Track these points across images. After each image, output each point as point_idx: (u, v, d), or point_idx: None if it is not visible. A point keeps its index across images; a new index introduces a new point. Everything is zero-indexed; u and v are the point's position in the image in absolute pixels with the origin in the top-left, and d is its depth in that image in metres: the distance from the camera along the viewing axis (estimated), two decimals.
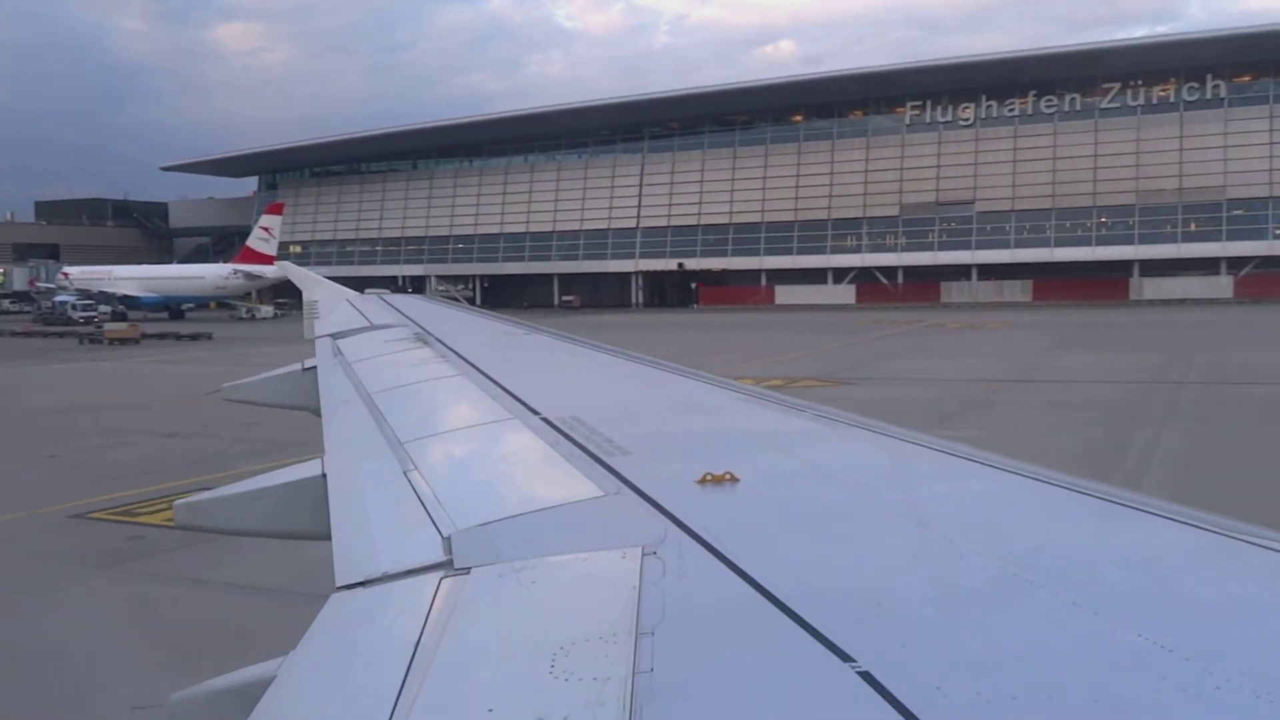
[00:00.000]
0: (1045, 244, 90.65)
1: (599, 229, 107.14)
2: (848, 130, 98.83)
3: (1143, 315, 68.41)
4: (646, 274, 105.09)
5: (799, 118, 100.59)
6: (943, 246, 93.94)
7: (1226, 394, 29.43)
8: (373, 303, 11.72)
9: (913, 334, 58.40)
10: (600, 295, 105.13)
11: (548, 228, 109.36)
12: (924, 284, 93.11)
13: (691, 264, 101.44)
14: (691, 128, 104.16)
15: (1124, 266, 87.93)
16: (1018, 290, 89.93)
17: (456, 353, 6.71)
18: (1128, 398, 28.19)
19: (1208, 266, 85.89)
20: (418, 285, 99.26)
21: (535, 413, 4.24)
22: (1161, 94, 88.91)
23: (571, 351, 7.39)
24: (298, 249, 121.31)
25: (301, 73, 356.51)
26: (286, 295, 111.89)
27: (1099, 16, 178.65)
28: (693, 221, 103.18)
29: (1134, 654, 1.73)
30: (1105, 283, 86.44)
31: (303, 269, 15.78)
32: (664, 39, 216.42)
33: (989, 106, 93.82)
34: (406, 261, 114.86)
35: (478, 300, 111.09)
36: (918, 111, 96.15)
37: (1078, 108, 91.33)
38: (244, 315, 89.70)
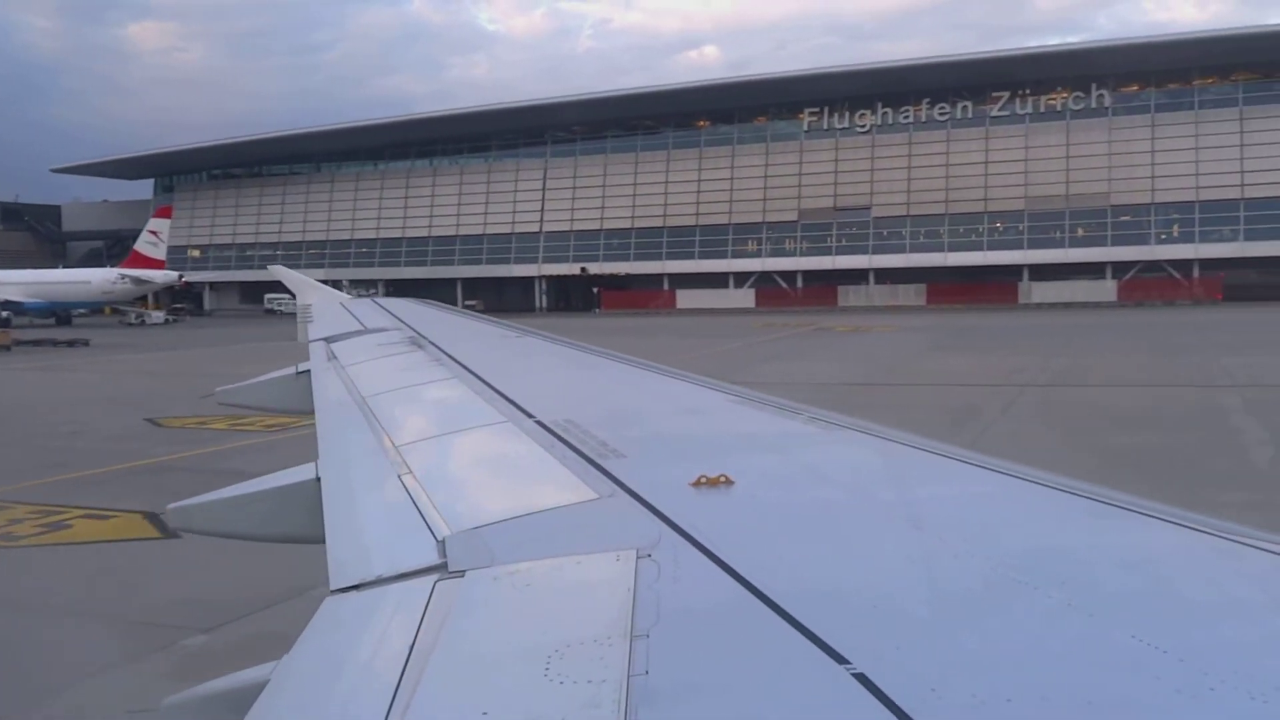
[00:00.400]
0: (939, 249, 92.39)
1: (503, 233, 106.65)
2: (748, 136, 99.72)
3: (1026, 318, 70.01)
4: (550, 278, 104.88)
5: (701, 123, 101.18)
6: (840, 251, 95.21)
7: (1062, 397, 30.18)
8: (366, 307, 11.79)
9: (798, 338, 59.00)
10: (505, 300, 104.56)
11: (451, 232, 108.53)
12: (823, 288, 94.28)
13: (595, 268, 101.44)
14: (595, 132, 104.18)
15: (1014, 270, 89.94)
16: (912, 294, 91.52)
17: (450, 356, 6.70)
18: (968, 400, 28.71)
19: (1094, 271, 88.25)
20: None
21: (529, 416, 4.25)
22: (1049, 103, 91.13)
23: (565, 354, 7.38)
24: (196, 253, 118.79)
25: (217, 73, 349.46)
26: (183, 301, 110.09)
27: (1014, 25, 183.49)
28: (595, 226, 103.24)
29: (1129, 655, 1.72)
30: (996, 286, 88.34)
31: (295, 273, 15.45)
32: (588, 43, 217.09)
33: (885, 114, 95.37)
34: (307, 265, 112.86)
35: None
36: (816, 118, 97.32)
37: (969, 115, 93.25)
38: (133, 321, 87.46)
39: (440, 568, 2.53)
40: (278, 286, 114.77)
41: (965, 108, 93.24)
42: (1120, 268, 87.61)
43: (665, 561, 2.29)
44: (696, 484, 2.90)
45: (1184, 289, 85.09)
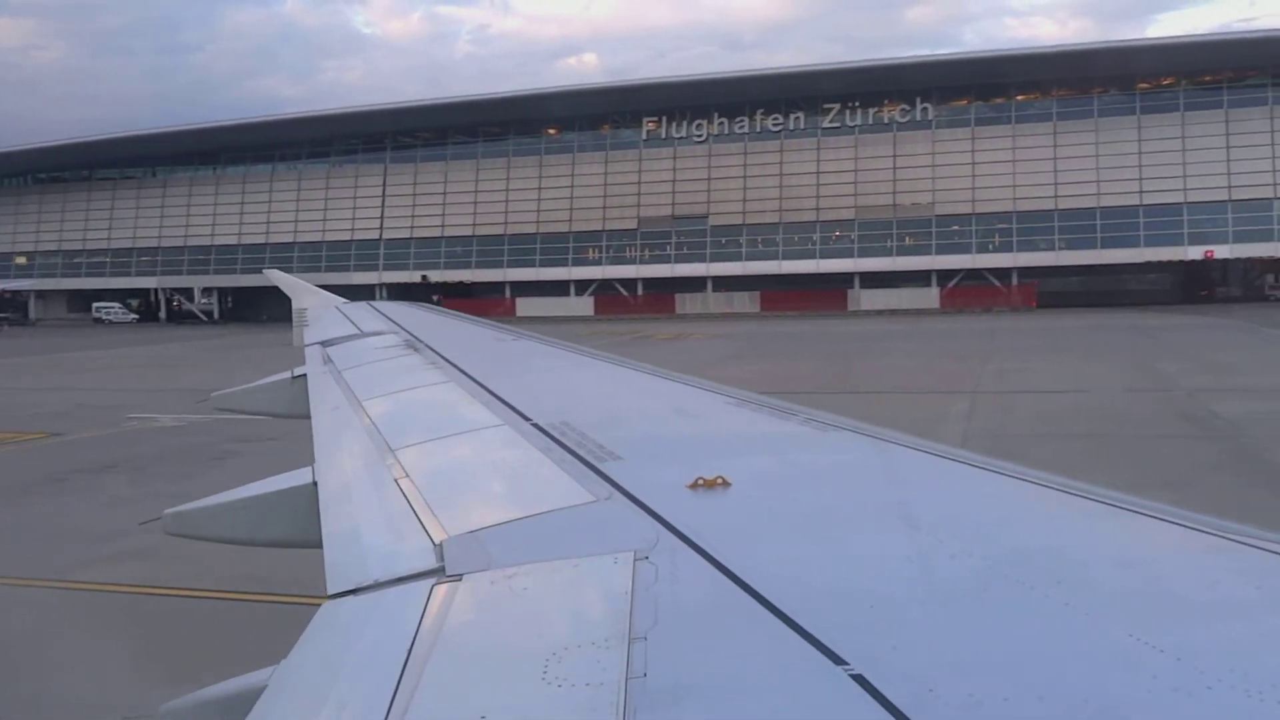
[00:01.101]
0: (774, 257, 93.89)
1: (342, 240, 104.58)
2: (588, 144, 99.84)
3: (845, 325, 71.58)
4: (391, 286, 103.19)
5: (542, 130, 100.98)
6: (679, 259, 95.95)
7: (811, 404, 30.65)
8: (362, 310, 11.85)
9: (615, 345, 59.05)
10: None
11: (289, 238, 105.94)
12: (662, 295, 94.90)
13: (436, 276, 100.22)
14: (436, 139, 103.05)
15: (846, 278, 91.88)
16: (746, 301, 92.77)
17: (446, 359, 6.67)
18: None
19: (920, 279, 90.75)
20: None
21: (526, 418, 4.23)
22: (878, 115, 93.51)
23: (562, 357, 7.38)
24: (23, 260, 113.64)
25: (79, 72, 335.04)
26: (7, 310, 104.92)
27: (887, 37, 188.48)
28: (437, 233, 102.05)
29: (1126, 654, 1.72)
30: (826, 294, 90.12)
31: (291, 277, 15.09)
32: (466, 48, 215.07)
33: (721, 124, 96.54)
34: (139, 273, 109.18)
35: (216, 314, 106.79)
36: (655, 127, 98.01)
37: (801, 126, 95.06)
38: None
39: (437, 571, 2.52)
40: (106, 295, 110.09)
41: (798, 119, 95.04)
42: (944, 275, 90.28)
43: (663, 564, 2.27)
44: (694, 486, 2.90)
45: (1002, 296, 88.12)
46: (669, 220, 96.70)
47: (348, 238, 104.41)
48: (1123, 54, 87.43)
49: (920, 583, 2.19)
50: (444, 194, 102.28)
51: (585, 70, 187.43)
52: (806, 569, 2.32)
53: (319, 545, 3.15)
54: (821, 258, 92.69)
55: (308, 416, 5.71)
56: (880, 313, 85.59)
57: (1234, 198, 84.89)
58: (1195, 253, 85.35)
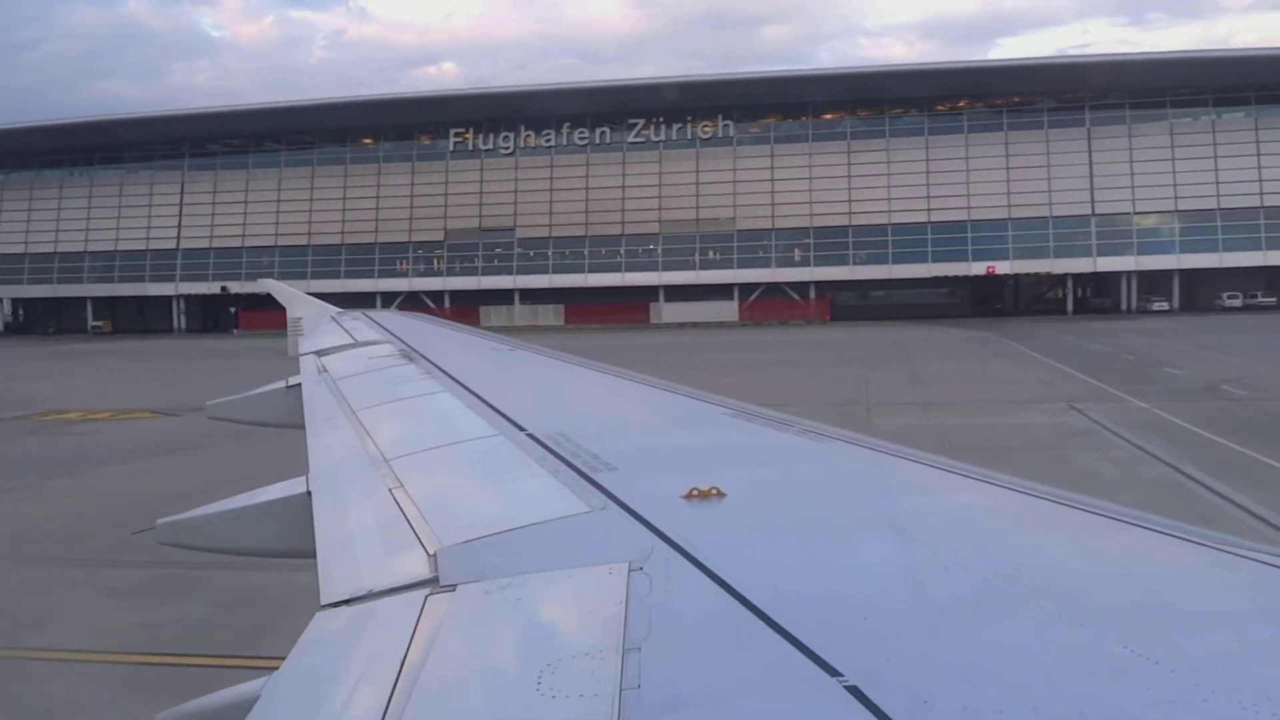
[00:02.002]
0: (580, 270, 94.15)
1: (137, 249, 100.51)
2: (394, 154, 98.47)
3: (638, 337, 72.07)
4: (189, 298, 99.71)
5: (348, 139, 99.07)
6: (486, 271, 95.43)
7: None
8: (358, 320, 11.65)
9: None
10: (147, 320, 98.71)
11: (79, 248, 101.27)
12: (469, 308, 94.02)
13: (236, 287, 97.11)
14: (238, 146, 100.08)
15: (650, 291, 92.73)
16: (551, 314, 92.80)
17: (442, 369, 6.56)
18: None
19: (722, 292, 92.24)
20: None
21: (521, 429, 4.17)
22: (681, 131, 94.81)
23: (558, 367, 7.27)
24: None
25: None
26: None
27: (743, 55, 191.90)
28: (237, 243, 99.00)
29: (1120, 666, 1.71)
30: (629, 306, 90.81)
31: (287, 286, 14.90)
32: (321, 54, 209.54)
33: (527, 136, 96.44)
34: None
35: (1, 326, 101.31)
36: (461, 138, 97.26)
37: (608, 140, 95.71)
38: None
39: (431, 582, 2.48)
40: None
41: (604, 133, 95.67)
42: (746, 289, 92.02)
43: (657, 574, 2.25)
44: (688, 496, 2.85)
45: (799, 309, 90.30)
46: (476, 232, 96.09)
47: (143, 247, 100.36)
48: (912, 77, 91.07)
49: (915, 594, 2.16)
50: (245, 203, 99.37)
51: (445, 79, 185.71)
52: (801, 580, 2.30)
53: (313, 555, 3.11)
54: (627, 270, 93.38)
55: (303, 426, 5.65)
56: (682, 325, 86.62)
57: (1013, 216, 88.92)
58: (979, 268, 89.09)
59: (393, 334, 9.69)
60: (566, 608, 2.31)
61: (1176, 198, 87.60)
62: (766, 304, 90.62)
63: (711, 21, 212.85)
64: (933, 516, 2.90)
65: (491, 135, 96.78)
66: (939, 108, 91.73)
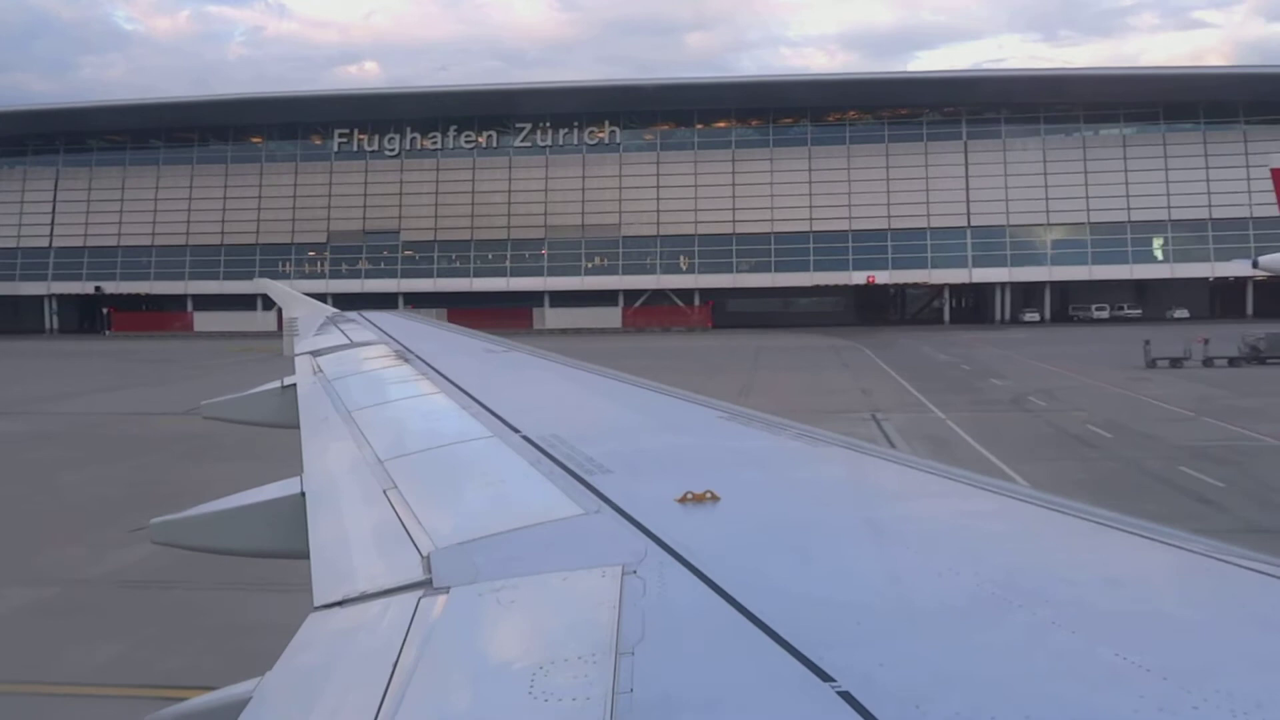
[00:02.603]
0: (466, 274, 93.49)
1: (8, 248, 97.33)
2: (277, 154, 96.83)
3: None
4: (62, 298, 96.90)
5: (229, 137, 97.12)
6: (370, 275, 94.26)
7: None
8: (354, 321, 11.68)
9: (237, 365, 57.15)
10: (21, 319, 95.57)
11: None
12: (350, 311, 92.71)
13: (111, 288, 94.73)
14: (116, 143, 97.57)
15: (536, 297, 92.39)
16: (431, 319, 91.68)
17: (437, 370, 6.54)
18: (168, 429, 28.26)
19: (607, 298, 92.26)
20: None
21: (516, 431, 4.20)
22: (568, 136, 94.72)
23: (553, 369, 7.23)
24: None
25: None
26: None
27: (666, 61, 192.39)
28: (113, 242, 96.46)
29: (1112, 673, 1.71)
30: (512, 312, 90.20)
31: (282, 285, 14.86)
32: (239, 50, 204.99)
33: (413, 139, 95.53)
34: None
35: None
36: (345, 139, 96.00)
37: (494, 145, 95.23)
38: None
39: (425, 584, 2.49)
40: None
41: (491, 137, 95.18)
42: (632, 295, 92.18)
43: (651, 578, 2.26)
44: (683, 500, 2.87)
45: (682, 316, 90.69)
46: (360, 234, 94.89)
47: (13, 245, 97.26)
48: (796, 88, 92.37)
49: (908, 599, 2.15)
50: (121, 200, 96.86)
51: (366, 78, 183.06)
52: (795, 584, 2.29)
53: (306, 556, 3.07)
54: (512, 275, 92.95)
55: (297, 426, 5.57)
56: (564, 331, 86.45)
57: (893, 226, 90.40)
58: (859, 277, 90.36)
59: (388, 335, 9.73)
60: (560, 611, 2.29)
61: (1049, 211, 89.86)
62: (650, 311, 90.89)
63: (636, 28, 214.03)
64: (926, 522, 2.91)
65: (377, 136, 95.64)
66: (823, 119, 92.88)
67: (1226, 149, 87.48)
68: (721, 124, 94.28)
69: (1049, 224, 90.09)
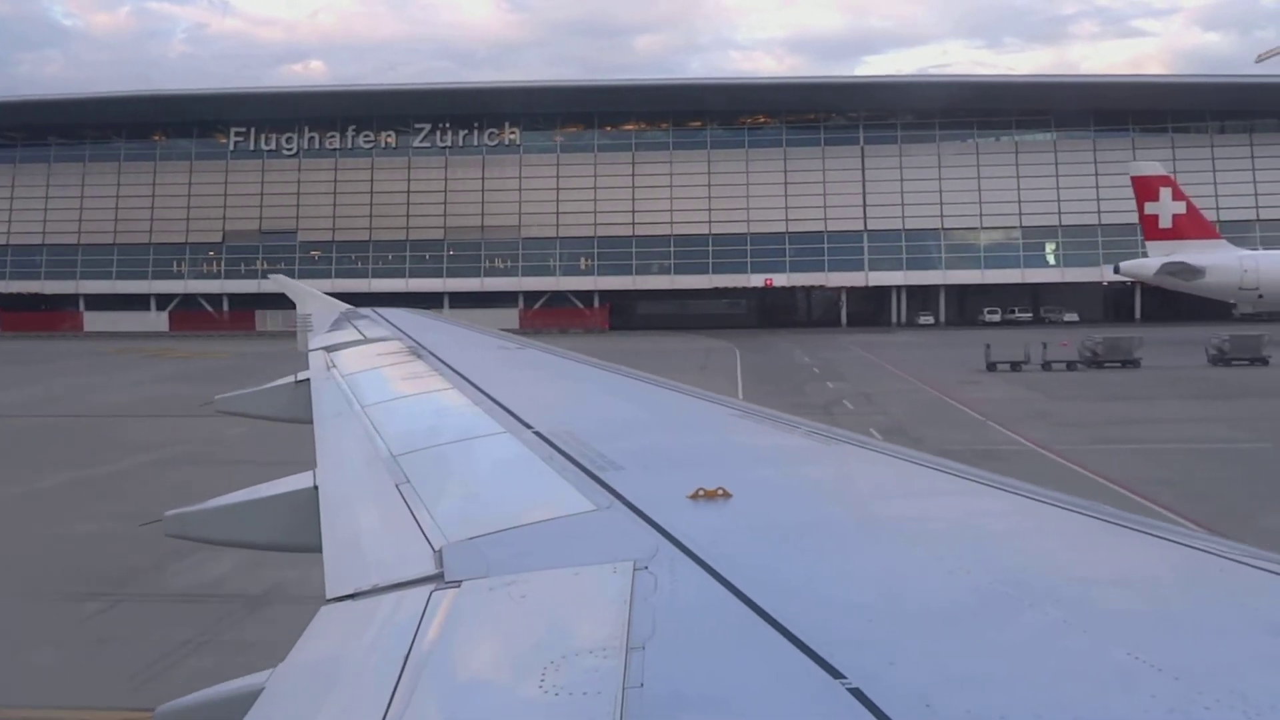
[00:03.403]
0: (364, 275, 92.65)
1: None
2: (171, 152, 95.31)
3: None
4: None
5: (121, 135, 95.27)
6: (266, 274, 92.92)
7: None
8: (367, 317, 11.65)
9: (102, 364, 56.51)
10: None
11: None
12: (245, 313, 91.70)
13: (1, 287, 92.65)
14: (8, 140, 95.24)
15: (435, 298, 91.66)
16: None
17: (450, 366, 6.60)
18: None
19: (508, 299, 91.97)
20: None
21: (528, 427, 4.21)
22: (468, 137, 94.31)
23: (566, 366, 7.31)
24: None
25: None
26: None
27: (614, 64, 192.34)
28: (2, 240, 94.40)
29: (1124, 673, 1.71)
30: None
31: (296, 282, 14.19)
32: (181, 47, 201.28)
33: (312, 138, 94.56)
34: None
35: None
36: (242, 138, 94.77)
37: (393, 145, 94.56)
38: None
39: (436, 578, 2.49)
40: None
41: (389, 137, 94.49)
42: (532, 297, 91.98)
43: (662, 574, 2.26)
44: (694, 496, 2.88)
45: (580, 318, 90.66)
46: (256, 234, 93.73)
47: None
48: (696, 92, 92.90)
49: (919, 597, 2.14)
50: (11, 199, 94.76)
51: (312, 77, 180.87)
52: (805, 581, 2.28)
53: (319, 549, 3.07)
54: (411, 277, 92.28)
55: (310, 420, 5.57)
56: None
57: (791, 230, 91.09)
58: (757, 280, 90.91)
59: (401, 330, 9.71)
60: (571, 606, 2.28)
61: (943, 216, 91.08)
62: (548, 313, 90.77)
63: (583, 29, 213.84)
64: (938, 520, 2.89)
65: (275, 135, 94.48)
66: (723, 122, 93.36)
67: (1115, 155, 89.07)
68: (623, 127, 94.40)
69: (943, 228, 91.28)
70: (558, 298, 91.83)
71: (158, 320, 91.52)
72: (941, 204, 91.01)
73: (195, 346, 70.62)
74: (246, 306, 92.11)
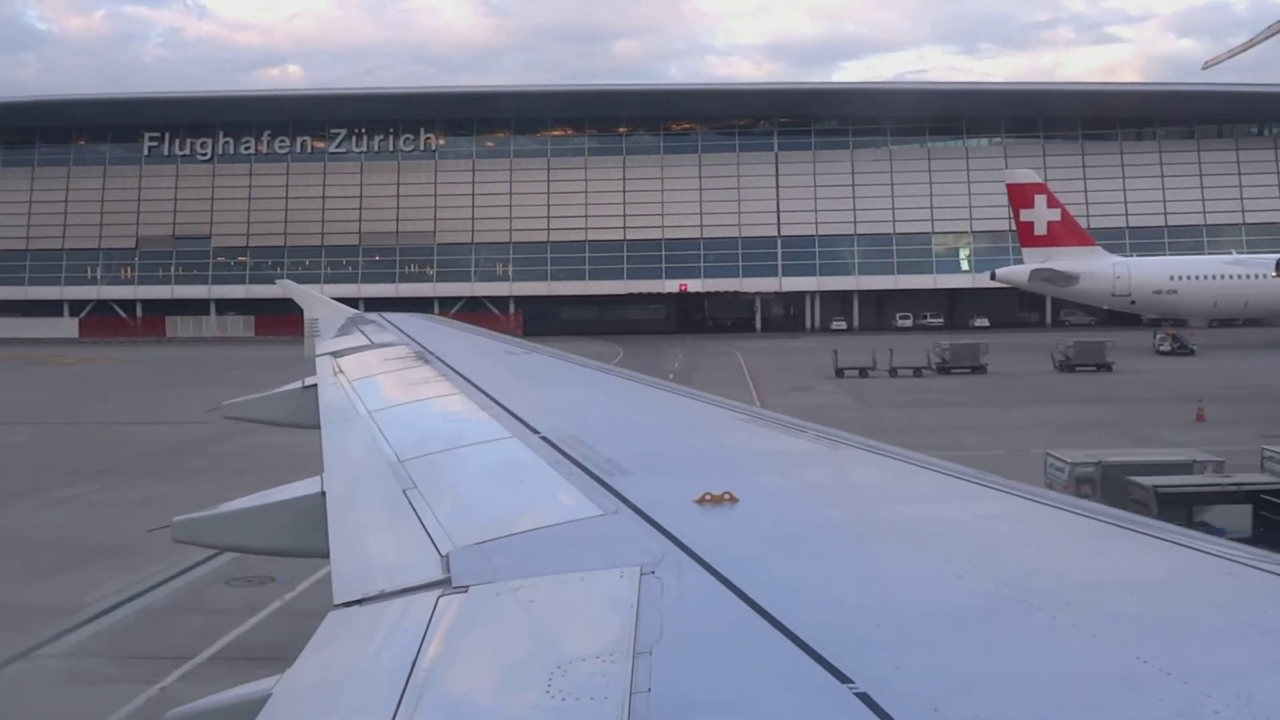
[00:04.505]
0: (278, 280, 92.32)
1: None
2: (85, 157, 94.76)
3: (263, 351, 70.97)
4: None
5: (39, 140, 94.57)
6: (180, 280, 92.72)
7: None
8: (374, 322, 11.79)
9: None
10: None
11: None
12: (158, 318, 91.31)
13: None
14: None
15: (350, 304, 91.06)
16: (241, 325, 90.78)
17: (456, 371, 6.68)
18: None
19: (423, 306, 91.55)
20: None
21: (535, 431, 4.20)
22: (383, 143, 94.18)
23: (572, 371, 7.33)
24: None
25: None
26: None
27: (592, 69, 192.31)
28: None
29: (1132, 677, 1.70)
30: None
31: (303, 287, 14.92)
32: (157, 51, 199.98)
33: (227, 143, 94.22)
34: None
35: None
36: (156, 143, 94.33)
37: (309, 150, 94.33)
38: None
39: (444, 583, 2.50)
40: None
41: (305, 143, 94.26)
42: (448, 302, 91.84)
43: (669, 578, 2.26)
44: (701, 501, 2.88)
45: (493, 324, 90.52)
46: (170, 240, 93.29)
47: None
48: (610, 98, 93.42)
49: (926, 602, 2.13)
50: None
51: (289, 81, 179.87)
52: (813, 586, 2.28)
53: (326, 554, 3.08)
54: (326, 283, 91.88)
55: (318, 426, 5.54)
56: None
57: (706, 235, 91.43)
58: (671, 285, 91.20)
59: (408, 335, 9.76)
60: (578, 610, 2.28)
61: (856, 222, 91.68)
62: (464, 318, 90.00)
63: (560, 35, 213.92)
64: (945, 524, 2.88)
65: (189, 141, 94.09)
66: (638, 129, 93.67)
67: (1025, 163, 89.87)
68: (539, 133, 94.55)
69: (856, 234, 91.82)
70: (473, 303, 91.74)
71: (69, 327, 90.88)
72: (855, 210, 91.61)
73: (90, 352, 70.19)
74: (160, 312, 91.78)
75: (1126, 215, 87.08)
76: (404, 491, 3.61)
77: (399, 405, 5.90)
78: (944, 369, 46.18)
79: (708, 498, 2.94)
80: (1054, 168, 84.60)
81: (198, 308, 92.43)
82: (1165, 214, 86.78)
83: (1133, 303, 58.22)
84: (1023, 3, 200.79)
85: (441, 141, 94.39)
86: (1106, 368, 45.59)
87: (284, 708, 2.14)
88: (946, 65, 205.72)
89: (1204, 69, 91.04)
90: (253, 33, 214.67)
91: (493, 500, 3.60)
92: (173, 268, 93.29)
